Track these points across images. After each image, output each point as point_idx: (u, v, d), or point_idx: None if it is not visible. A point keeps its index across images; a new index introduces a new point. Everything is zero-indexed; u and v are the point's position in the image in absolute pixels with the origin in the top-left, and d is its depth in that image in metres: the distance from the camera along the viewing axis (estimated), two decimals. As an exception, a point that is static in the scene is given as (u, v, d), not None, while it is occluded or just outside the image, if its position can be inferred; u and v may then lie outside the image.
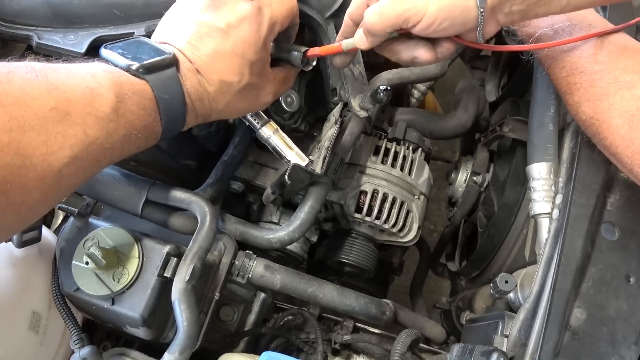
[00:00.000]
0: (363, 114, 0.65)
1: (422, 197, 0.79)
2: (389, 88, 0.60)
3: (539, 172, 0.63)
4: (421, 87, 1.01)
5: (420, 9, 0.47)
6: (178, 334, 0.45)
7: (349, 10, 0.55)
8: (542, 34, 0.57)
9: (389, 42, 0.53)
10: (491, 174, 0.96)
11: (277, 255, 0.76)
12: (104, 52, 0.45)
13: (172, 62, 0.45)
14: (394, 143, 0.79)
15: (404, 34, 0.52)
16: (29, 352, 0.50)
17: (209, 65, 0.47)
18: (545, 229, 0.59)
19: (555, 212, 0.57)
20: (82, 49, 0.57)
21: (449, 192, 1.01)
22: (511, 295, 0.61)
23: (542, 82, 0.69)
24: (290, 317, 0.74)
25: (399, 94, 1.00)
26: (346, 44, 0.54)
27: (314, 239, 0.78)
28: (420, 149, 0.81)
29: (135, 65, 0.42)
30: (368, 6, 0.51)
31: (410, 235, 0.77)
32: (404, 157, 0.78)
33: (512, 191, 0.82)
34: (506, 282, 0.59)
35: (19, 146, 0.33)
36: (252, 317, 0.74)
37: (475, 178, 0.96)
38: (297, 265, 0.79)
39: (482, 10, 0.47)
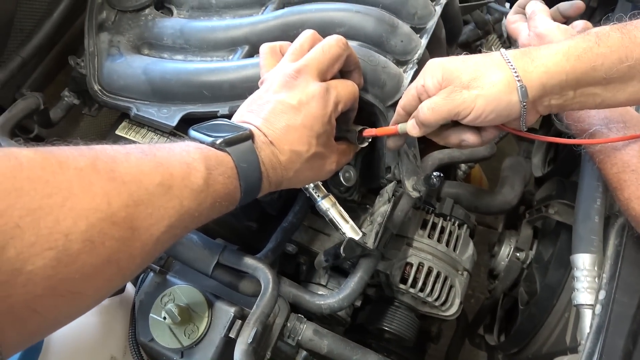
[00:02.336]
0: (415, 194, 0.70)
1: (465, 273, 0.81)
2: (441, 175, 0.65)
3: (583, 263, 0.66)
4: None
5: (469, 104, 0.53)
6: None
7: (401, 102, 0.61)
8: (595, 131, 0.62)
9: (439, 129, 0.59)
10: (535, 252, 0.97)
11: (322, 315, 0.80)
12: (192, 132, 0.52)
13: (249, 136, 0.51)
14: (441, 218, 0.83)
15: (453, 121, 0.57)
16: None
17: (282, 137, 0.54)
18: (588, 320, 0.61)
19: (598, 308, 0.59)
20: (174, 122, 0.65)
21: (491, 264, 1.03)
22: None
23: (589, 174, 0.72)
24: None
25: (447, 166, 1.04)
26: (401, 127, 0.61)
27: (358, 303, 0.81)
28: (465, 225, 0.84)
29: (219, 140, 0.49)
30: (420, 100, 0.58)
31: (452, 310, 0.79)
32: (450, 233, 0.81)
33: (556, 273, 0.84)
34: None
35: (132, 219, 0.39)
36: (293, 375, 0.77)
37: (518, 254, 0.98)
38: (340, 327, 0.83)
39: (524, 104, 0.53)
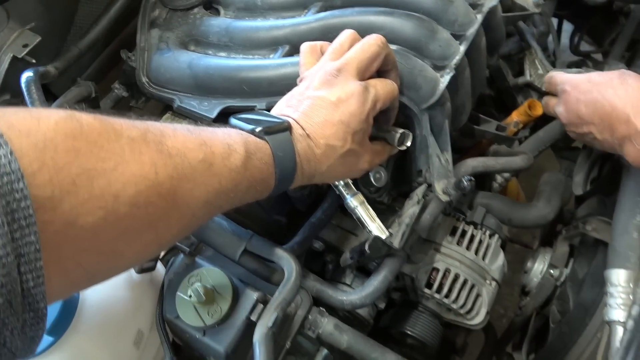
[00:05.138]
0: (445, 198, 0.70)
1: (493, 283, 0.80)
2: (472, 179, 0.65)
3: (618, 279, 0.64)
4: (505, 173, 1.03)
5: None
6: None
7: None
8: None
9: None
10: (570, 270, 0.94)
11: (345, 315, 0.80)
12: (233, 120, 0.55)
13: (287, 127, 0.53)
14: (472, 226, 0.82)
15: None
16: None
17: (319, 131, 0.55)
18: (619, 338, 0.59)
19: (630, 323, 0.57)
20: (213, 115, 0.68)
21: (523, 280, 1.00)
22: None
23: (630, 189, 0.70)
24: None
25: (482, 177, 1.03)
26: None
27: (382, 306, 0.81)
28: (497, 235, 0.83)
29: (258, 128, 0.52)
30: None
31: (478, 319, 0.78)
32: (480, 242, 0.81)
33: (590, 292, 0.81)
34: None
35: (174, 191, 0.41)
36: (312, 372, 0.78)
37: (552, 271, 0.95)
38: (362, 328, 0.83)
39: None
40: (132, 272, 0.58)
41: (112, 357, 0.55)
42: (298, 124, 0.55)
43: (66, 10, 0.83)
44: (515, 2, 0.87)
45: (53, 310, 0.51)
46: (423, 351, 0.83)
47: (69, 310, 0.53)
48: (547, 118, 0.91)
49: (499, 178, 1.05)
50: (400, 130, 0.65)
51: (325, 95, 0.57)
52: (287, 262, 0.58)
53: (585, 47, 1.37)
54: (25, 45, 0.74)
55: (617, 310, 0.61)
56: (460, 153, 0.84)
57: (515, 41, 1.03)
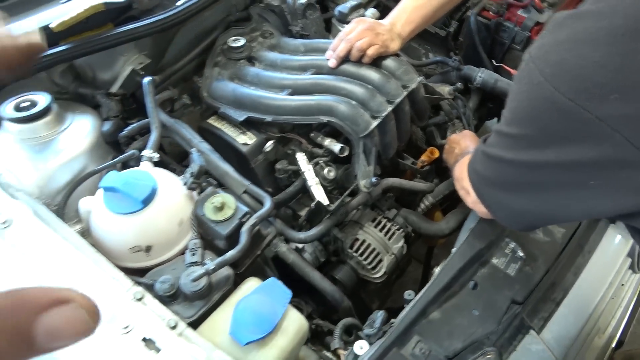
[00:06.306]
0: (364, 189, 1.19)
1: (393, 255, 1.27)
2: (378, 179, 1.14)
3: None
4: (430, 198, 1.49)
5: None
6: (236, 248, 0.97)
7: None
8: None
9: None
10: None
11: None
12: None
13: None
14: (386, 219, 1.30)
15: None
16: (173, 236, 1.03)
17: None
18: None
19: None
20: (240, 119, 1.19)
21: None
22: None
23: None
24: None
25: (411, 200, 1.50)
26: None
27: (322, 259, 1.27)
28: (402, 229, 1.30)
29: None
30: None
31: (378, 275, 1.24)
32: (389, 229, 1.28)
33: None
34: None
35: None
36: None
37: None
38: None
39: None
40: (184, 187, 1.05)
41: (167, 226, 1.01)
42: None
43: (162, 47, 1.37)
44: (435, 90, 1.40)
45: (146, 190, 0.98)
46: (344, 291, 1.28)
47: (153, 193, 0.99)
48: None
49: (423, 204, 1.54)
50: (342, 145, 1.15)
51: None
52: (268, 200, 1.07)
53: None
54: (140, 63, 1.27)
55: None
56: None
57: (443, 116, 1.55)
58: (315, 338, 1.13)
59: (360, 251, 1.23)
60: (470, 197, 0.97)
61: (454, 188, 1.41)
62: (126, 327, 0.83)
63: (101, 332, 0.80)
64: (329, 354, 1.04)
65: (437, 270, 1.01)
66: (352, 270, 1.26)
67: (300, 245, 1.20)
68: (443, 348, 0.91)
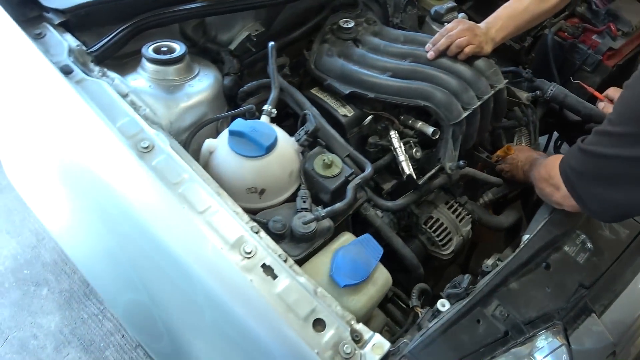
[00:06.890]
0: (449, 171, 1.30)
1: (462, 237, 1.38)
2: (465, 163, 1.25)
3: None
4: (490, 195, 1.60)
5: None
6: (343, 201, 1.09)
7: None
8: None
9: None
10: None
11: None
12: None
13: None
14: (457, 204, 1.41)
15: None
16: (284, 185, 1.14)
17: None
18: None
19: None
20: (345, 92, 1.31)
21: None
22: None
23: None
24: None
25: (474, 193, 1.60)
26: None
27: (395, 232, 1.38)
28: (470, 215, 1.42)
29: None
30: None
31: (447, 251, 1.35)
32: (460, 212, 1.39)
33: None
34: None
35: None
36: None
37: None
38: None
39: None
40: (295, 142, 1.18)
41: (281, 174, 1.11)
42: None
43: (273, 19, 1.49)
44: (515, 93, 1.52)
45: (270, 138, 1.10)
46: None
47: (275, 142, 1.11)
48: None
49: (483, 199, 1.64)
50: (434, 128, 1.27)
51: None
52: (369, 166, 1.19)
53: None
54: (256, 30, 1.40)
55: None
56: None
57: (513, 121, 1.66)
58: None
59: (433, 228, 1.34)
60: (559, 193, 1.08)
61: (507, 191, 1.53)
62: (249, 252, 0.95)
63: (228, 254, 0.93)
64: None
65: (525, 237, 1.13)
66: (422, 245, 1.37)
67: (380, 214, 1.31)
68: (520, 314, 1.02)
